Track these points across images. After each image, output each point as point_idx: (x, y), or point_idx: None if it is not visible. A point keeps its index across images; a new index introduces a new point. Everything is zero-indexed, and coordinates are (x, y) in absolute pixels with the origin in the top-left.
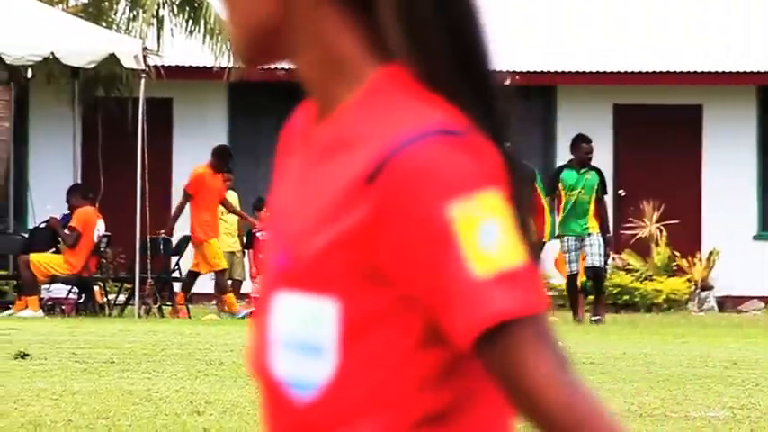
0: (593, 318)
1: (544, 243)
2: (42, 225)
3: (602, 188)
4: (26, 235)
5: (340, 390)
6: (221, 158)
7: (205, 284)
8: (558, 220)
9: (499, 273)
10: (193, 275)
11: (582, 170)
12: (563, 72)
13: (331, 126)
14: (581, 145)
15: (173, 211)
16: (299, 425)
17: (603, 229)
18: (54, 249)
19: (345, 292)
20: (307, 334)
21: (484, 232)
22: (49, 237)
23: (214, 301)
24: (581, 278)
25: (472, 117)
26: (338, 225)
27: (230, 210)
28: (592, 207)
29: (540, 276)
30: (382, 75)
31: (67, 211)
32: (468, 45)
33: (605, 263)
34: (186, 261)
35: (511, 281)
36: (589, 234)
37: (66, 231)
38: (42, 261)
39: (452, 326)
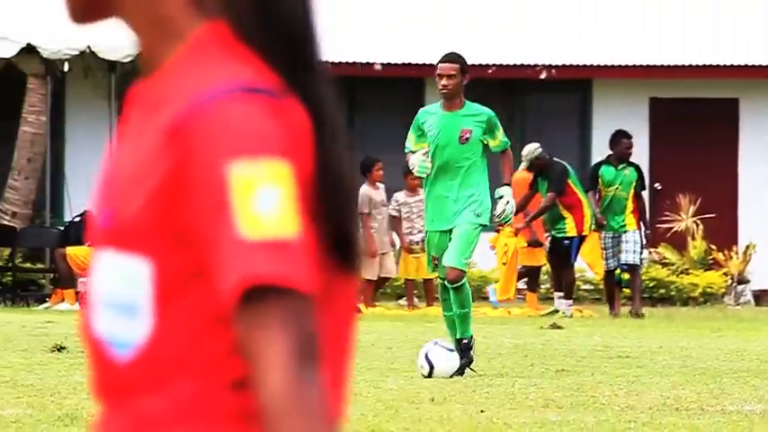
0: (631, 312)
1: (584, 237)
2: (77, 219)
3: (640, 184)
4: (62, 228)
5: (155, 350)
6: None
7: None
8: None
9: (267, 239)
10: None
11: (620, 166)
12: (599, 66)
13: (156, 83)
14: (621, 140)
15: None
16: (118, 383)
17: (641, 224)
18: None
19: (157, 252)
20: (124, 294)
21: (260, 197)
22: (85, 230)
23: None
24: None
25: (284, 78)
26: (148, 182)
27: None
28: (630, 203)
29: (307, 255)
30: (203, 32)
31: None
32: (276, 4)
33: (641, 259)
34: None
35: (277, 250)
36: (625, 231)
37: None
38: (80, 254)
39: (219, 286)
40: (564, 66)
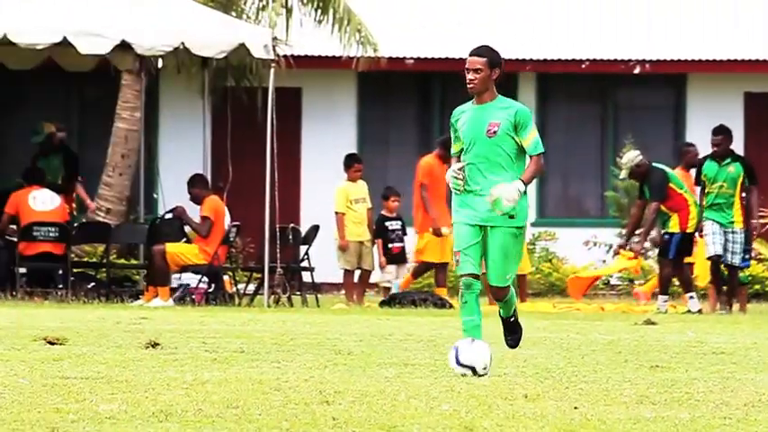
0: (721, 310)
1: (691, 234)
2: (168, 216)
3: (749, 177)
4: (152, 224)
5: None
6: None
7: (334, 274)
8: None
9: None
10: (426, 266)
11: (724, 162)
12: (693, 60)
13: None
14: (714, 137)
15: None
16: None
17: (748, 220)
18: (185, 239)
19: None
20: None
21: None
22: (177, 227)
23: (342, 291)
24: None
25: None
26: None
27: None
28: (737, 200)
29: None
30: None
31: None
32: None
33: (745, 259)
34: (315, 250)
35: None
36: (733, 231)
37: (199, 221)
38: (177, 251)
39: None
40: (658, 61)
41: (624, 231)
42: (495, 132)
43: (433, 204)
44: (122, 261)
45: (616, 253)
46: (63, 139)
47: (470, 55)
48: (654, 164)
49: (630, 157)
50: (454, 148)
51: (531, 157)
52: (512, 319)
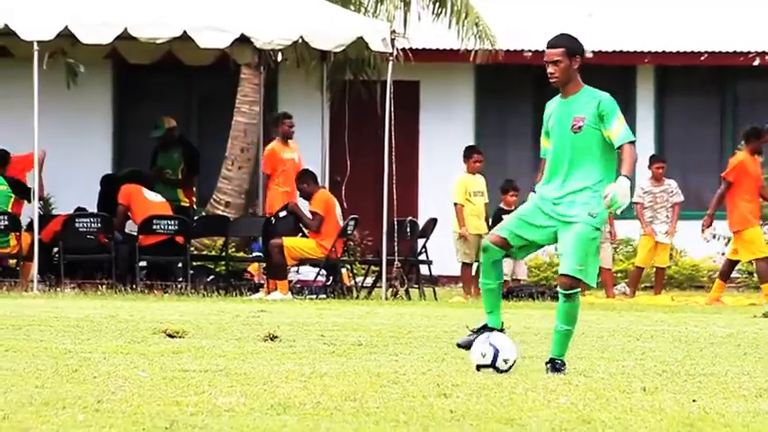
0: None
1: None
2: (282, 213)
3: None
4: (269, 218)
5: None
6: (758, 139)
7: (451, 266)
8: None
9: None
10: (732, 263)
11: None
12: None
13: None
14: None
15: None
16: None
17: None
18: (301, 234)
19: None
20: None
21: None
22: (291, 222)
23: (460, 284)
24: None
25: None
26: None
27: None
28: None
29: None
30: None
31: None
32: None
33: None
34: (433, 243)
35: None
36: None
37: (309, 216)
38: (296, 245)
39: None
40: None
41: None
42: (579, 128)
43: (736, 201)
44: (241, 254)
45: None
46: (183, 134)
47: (547, 47)
48: None
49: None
50: (542, 145)
51: (620, 148)
52: (557, 363)
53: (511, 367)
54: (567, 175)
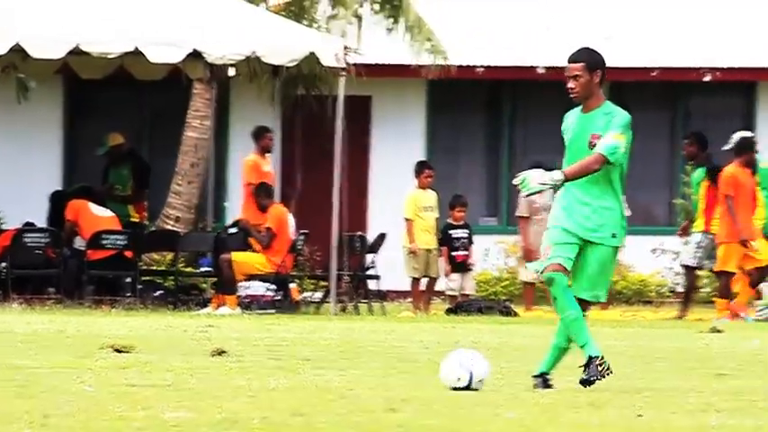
0: None
1: None
2: (232, 230)
3: None
4: (219, 233)
5: None
6: (751, 150)
7: (401, 281)
8: None
9: None
10: (762, 271)
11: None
12: (764, 68)
13: None
14: None
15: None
16: None
17: None
18: (251, 249)
19: None
20: None
21: None
22: (241, 238)
23: (408, 298)
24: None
25: None
26: None
27: None
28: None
29: None
30: None
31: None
32: None
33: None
34: (382, 258)
35: None
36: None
37: (262, 232)
38: (246, 260)
39: None
40: (728, 68)
41: None
42: (596, 145)
43: (738, 214)
44: (190, 269)
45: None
46: (133, 148)
47: (568, 61)
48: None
49: (743, 134)
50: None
51: (595, 153)
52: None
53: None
54: (591, 191)
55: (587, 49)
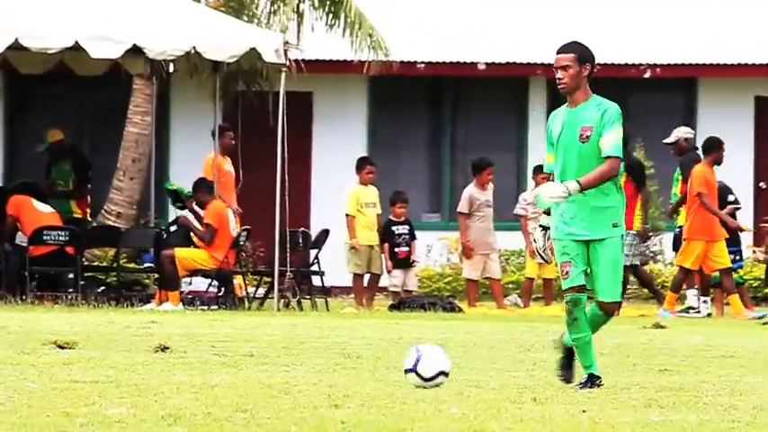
0: None
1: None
2: (172, 228)
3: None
4: (162, 229)
5: None
6: (719, 149)
7: (343, 277)
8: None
9: None
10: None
11: None
12: (704, 64)
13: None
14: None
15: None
16: None
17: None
18: (193, 245)
19: None
20: None
21: None
22: (182, 235)
23: (351, 295)
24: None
25: None
26: None
27: None
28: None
29: None
30: None
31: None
32: None
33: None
34: (325, 254)
35: None
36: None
37: (202, 228)
38: (188, 256)
39: None
40: (669, 65)
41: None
42: (588, 137)
43: (708, 212)
44: (132, 265)
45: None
46: (75, 144)
47: (557, 52)
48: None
49: (686, 129)
50: (546, 160)
51: (605, 158)
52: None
53: (440, 383)
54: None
55: (577, 42)
